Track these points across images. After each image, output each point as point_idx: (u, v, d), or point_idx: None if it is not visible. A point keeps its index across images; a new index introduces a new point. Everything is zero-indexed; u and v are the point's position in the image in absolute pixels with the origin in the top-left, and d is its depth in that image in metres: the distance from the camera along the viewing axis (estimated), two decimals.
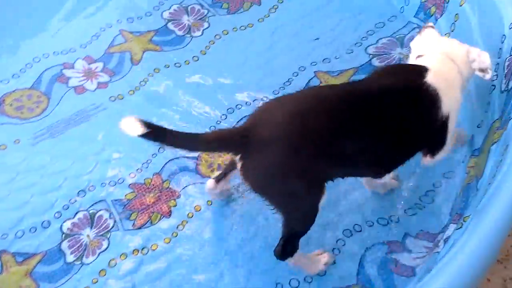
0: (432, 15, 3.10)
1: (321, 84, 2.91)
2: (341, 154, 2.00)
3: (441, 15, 3.03)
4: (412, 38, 3.06)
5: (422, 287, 1.76)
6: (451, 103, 2.18)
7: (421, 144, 2.26)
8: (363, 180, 2.55)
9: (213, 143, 1.98)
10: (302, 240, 2.27)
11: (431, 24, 2.49)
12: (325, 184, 2.08)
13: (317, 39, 3.26)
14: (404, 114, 2.08)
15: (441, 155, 2.30)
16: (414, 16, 3.23)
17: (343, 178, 2.21)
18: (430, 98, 2.13)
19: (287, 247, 2.22)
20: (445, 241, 2.21)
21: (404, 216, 2.51)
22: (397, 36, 3.21)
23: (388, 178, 2.53)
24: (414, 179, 2.63)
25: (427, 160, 2.31)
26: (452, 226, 2.25)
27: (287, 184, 1.99)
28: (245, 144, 1.92)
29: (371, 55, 3.14)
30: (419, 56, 2.33)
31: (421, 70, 2.17)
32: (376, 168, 2.22)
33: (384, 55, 3.12)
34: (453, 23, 2.91)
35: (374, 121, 2.03)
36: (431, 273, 1.83)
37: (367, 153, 2.07)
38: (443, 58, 2.27)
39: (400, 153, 2.22)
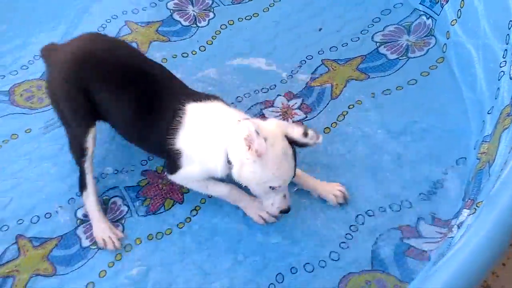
0: (438, 2, 3.12)
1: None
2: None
3: (447, 2, 3.04)
4: (419, 25, 3.12)
5: (437, 271, 1.78)
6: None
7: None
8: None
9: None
10: (317, 221, 2.40)
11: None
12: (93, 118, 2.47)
13: (320, 29, 3.27)
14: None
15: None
16: (420, 3, 3.25)
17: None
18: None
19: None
20: (459, 226, 2.23)
21: (417, 201, 2.54)
22: (403, 24, 3.23)
23: (336, 190, 2.53)
24: (426, 164, 2.66)
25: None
26: (465, 212, 2.28)
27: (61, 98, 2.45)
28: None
29: (378, 43, 3.16)
30: None
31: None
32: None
33: (391, 43, 3.14)
34: (459, 10, 2.94)
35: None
36: (446, 257, 1.85)
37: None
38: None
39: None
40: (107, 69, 2.41)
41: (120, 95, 2.42)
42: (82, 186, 2.49)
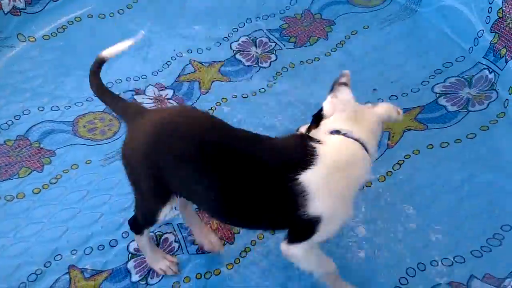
0: (503, 56, 3.09)
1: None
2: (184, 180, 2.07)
3: None
4: (480, 79, 3.09)
5: None
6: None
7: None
8: None
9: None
10: (367, 273, 2.40)
11: (345, 79, 2.26)
12: (173, 195, 2.17)
13: (375, 90, 3.24)
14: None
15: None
16: (483, 57, 3.23)
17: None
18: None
19: (132, 222, 2.40)
20: None
21: (470, 257, 2.49)
22: (465, 76, 3.21)
23: None
24: (482, 221, 2.62)
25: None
26: None
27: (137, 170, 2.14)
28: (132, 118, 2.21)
29: (437, 94, 3.14)
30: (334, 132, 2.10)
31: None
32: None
33: (452, 94, 3.12)
34: None
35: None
36: None
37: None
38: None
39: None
40: (192, 147, 1.99)
41: (207, 177, 2.02)
42: (137, 231, 2.39)
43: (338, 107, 2.14)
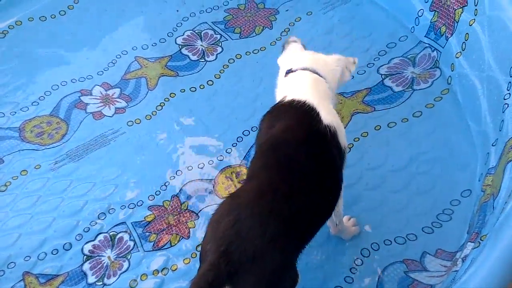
0: (443, 34, 3.14)
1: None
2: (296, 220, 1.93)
3: (452, 35, 3.06)
4: (424, 57, 3.14)
5: None
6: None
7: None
8: (332, 225, 2.49)
9: None
10: (322, 255, 2.44)
11: (293, 38, 2.53)
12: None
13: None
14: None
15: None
16: (425, 36, 3.27)
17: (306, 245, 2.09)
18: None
19: None
20: (463, 259, 2.22)
21: (422, 234, 2.53)
22: (408, 56, 3.25)
23: (350, 224, 2.54)
24: (431, 197, 2.66)
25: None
26: (470, 245, 2.26)
27: (282, 282, 1.95)
28: (230, 275, 1.80)
29: (383, 75, 3.18)
30: (289, 72, 2.34)
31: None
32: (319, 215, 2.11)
33: (397, 75, 3.16)
34: (463, 42, 2.95)
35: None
36: None
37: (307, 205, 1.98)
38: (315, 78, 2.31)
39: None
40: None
41: None
42: None
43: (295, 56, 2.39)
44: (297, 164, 2.00)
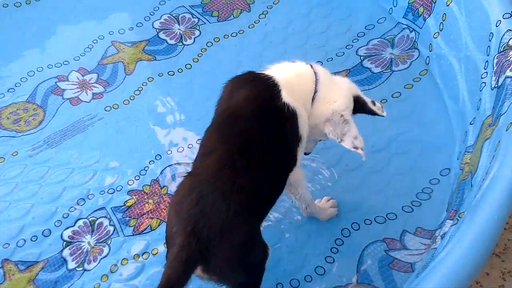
0: (420, 15, 3.14)
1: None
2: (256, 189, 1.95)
3: (429, 15, 3.07)
4: (402, 38, 3.14)
5: (420, 283, 1.79)
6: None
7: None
8: (301, 207, 2.50)
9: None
10: (302, 236, 2.43)
11: None
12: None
13: None
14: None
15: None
16: (403, 17, 3.27)
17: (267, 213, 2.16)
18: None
19: None
20: (442, 237, 2.23)
21: (402, 213, 2.54)
22: (387, 37, 3.26)
23: (329, 205, 2.55)
24: (410, 176, 2.67)
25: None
26: (449, 223, 2.28)
27: (253, 253, 1.99)
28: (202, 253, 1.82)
29: (362, 57, 3.18)
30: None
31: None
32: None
33: (375, 56, 3.16)
34: (441, 23, 2.96)
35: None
36: (428, 269, 1.85)
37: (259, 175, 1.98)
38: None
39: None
40: None
41: None
42: None
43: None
44: (253, 137, 1.99)
